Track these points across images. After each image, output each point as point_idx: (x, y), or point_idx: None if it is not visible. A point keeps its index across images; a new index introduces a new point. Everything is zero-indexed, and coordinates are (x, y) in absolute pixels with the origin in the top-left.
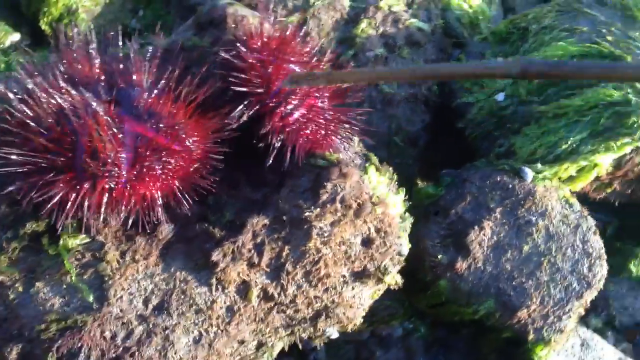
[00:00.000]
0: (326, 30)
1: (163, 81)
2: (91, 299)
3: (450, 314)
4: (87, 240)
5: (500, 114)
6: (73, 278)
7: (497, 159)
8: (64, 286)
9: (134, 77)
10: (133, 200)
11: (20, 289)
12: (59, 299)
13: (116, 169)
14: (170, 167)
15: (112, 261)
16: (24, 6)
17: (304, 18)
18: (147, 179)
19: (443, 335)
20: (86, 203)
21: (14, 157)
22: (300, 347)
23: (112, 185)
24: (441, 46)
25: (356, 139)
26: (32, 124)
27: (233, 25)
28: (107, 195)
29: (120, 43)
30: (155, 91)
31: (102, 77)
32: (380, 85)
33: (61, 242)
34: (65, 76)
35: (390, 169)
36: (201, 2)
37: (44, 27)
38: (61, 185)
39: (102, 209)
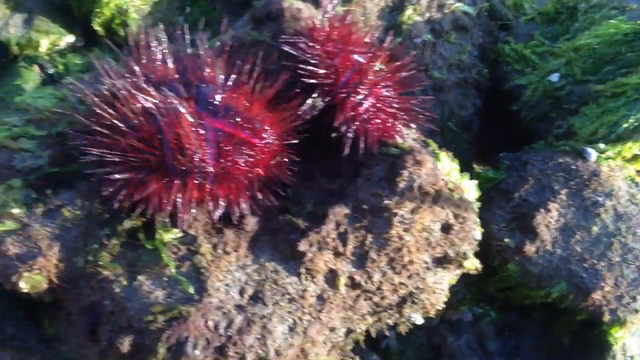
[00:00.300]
0: (372, 19)
1: (234, 76)
2: (192, 290)
3: (520, 298)
4: (180, 234)
5: (555, 95)
6: (172, 271)
7: (556, 141)
8: (165, 278)
9: (207, 73)
10: (220, 194)
11: (124, 282)
12: (162, 291)
13: (203, 164)
14: (252, 160)
15: (206, 254)
16: (76, 8)
17: (351, 8)
18: (232, 173)
19: (514, 319)
20: (178, 199)
21: (109, 157)
22: (385, 333)
23: (201, 181)
24: (487, 29)
25: (413, 125)
26: (120, 125)
27: (291, 19)
28: (196, 190)
29: (188, 40)
30: (229, 86)
31: (177, 77)
32: (430, 71)
33: (157, 236)
34: (144, 77)
35: (451, 154)
36: None
37: (96, 27)
38: (154, 182)
39: (193, 204)
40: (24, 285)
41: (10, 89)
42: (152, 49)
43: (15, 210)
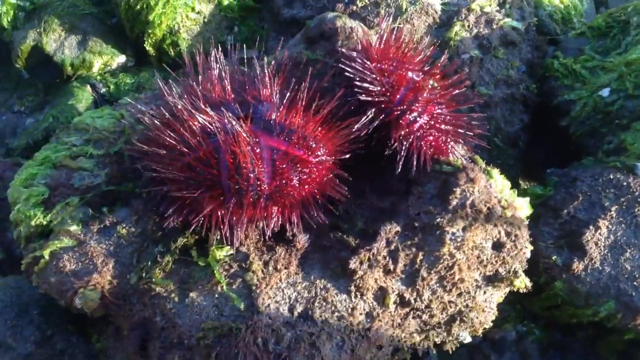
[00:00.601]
0: (419, 35)
1: (289, 94)
2: (242, 307)
3: (567, 316)
4: (232, 251)
5: (606, 110)
6: (224, 288)
7: (606, 157)
8: (216, 295)
9: (263, 92)
10: (273, 212)
11: (176, 299)
12: (213, 307)
13: (258, 182)
14: (305, 178)
15: (257, 271)
16: (128, 29)
17: (400, 25)
18: (286, 191)
19: (559, 338)
20: (234, 217)
21: (166, 176)
22: (432, 351)
23: (255, 199)
24: (536, 44)
25: (461, 141)
26: (179, 145)
27: (345, 38)
28: (250, 208)
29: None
30: (284, 105)
31: (233, 96)
32: (477, 87)
33: (210, 254)
34: (202, 97)
35: (498, 170)
36: (297, 17)
37: (148, 48)
38: (210, 201)
39: (246, 222)
40: (78, 302)
41: (63, 108)
42: (209, 69)
43: (73, 228)
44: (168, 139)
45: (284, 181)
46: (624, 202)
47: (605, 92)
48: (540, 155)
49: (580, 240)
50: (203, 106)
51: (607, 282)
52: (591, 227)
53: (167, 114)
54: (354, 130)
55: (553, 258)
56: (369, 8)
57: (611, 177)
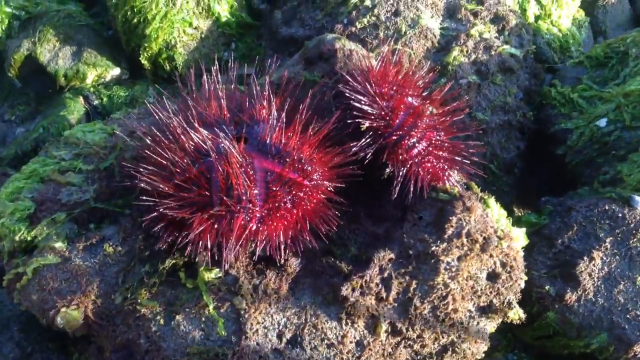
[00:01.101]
0: (417, 59)
1: (285, 115)
2: (229, 332)
3: (558, 347)
4: (221, 274)
5: (603, 140)
6: (211, 311)
7: (602, 187)
8: (203, 319)
9: (259, 113)
10: (265, 235)
11: (162, 321)
12: (199, 332)
13: (250, 205)
14: (299, 201)
15: (247, 295)
16: (124, 42)
17: (398, 48)
18: (279, 214)
19: None
20: (224, 239)
21: (160, 195)
22: None
23: (247, 221)
24: (534, 72)
25: (457, 169)
26: (170, 164)
27: (344, 60)
28: (242, 230)
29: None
30: (280, 126)
31: (228, 115)
32: (474, 112)
33: (199, 276)
34: (197, 116)
35: (494, 198)
36: (295, 36)
37: (144, 61)
38: (200, 222)
39: (237, 244)
40: (60, 321)
41: (55, 119)
42: (204, 87)
43: (58, 244)
44: (159, 158)
45: (276, 204)
46: (618, 234)
47: (602, 122)
48: (535, 183)
49: (574, 271)
50: (197, 125)
51: (600, 314)
52: (585, 258)
53: (158, 132)
54: (350, 154)
55: (546, 288)
56: (368, 30)
57: (606, 208)
